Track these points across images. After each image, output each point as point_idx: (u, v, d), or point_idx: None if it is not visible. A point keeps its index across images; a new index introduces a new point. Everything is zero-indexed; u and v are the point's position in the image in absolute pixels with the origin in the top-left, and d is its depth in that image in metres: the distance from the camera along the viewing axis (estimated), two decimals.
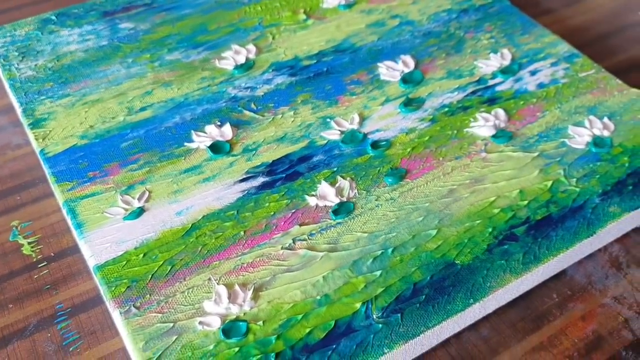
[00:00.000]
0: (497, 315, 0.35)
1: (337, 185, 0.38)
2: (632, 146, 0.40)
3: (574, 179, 0.38)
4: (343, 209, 0.37)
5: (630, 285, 0.37)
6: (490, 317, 0.35)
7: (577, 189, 0.38)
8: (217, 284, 0.33)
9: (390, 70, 0.46)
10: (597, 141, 0.40)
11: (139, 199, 0.38)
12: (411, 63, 0.46)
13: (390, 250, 0.35)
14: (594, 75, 0.46)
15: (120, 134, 0.42)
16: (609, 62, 0.50)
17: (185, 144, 0.41)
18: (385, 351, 0.31)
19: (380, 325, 0.32)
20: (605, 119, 0.42)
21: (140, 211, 0.37)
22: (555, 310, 0.35)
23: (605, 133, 0.41)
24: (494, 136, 0.41)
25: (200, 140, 0.41)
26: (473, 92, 0.44)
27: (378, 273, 0.34)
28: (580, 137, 0.41)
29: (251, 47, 0.48)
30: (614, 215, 0.37)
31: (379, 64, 0.46)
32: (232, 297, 0.33)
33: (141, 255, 0.35)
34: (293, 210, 0.37)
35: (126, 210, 0.37)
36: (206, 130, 0.41)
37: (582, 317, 0.35)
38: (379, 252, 0.35)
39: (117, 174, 0.39)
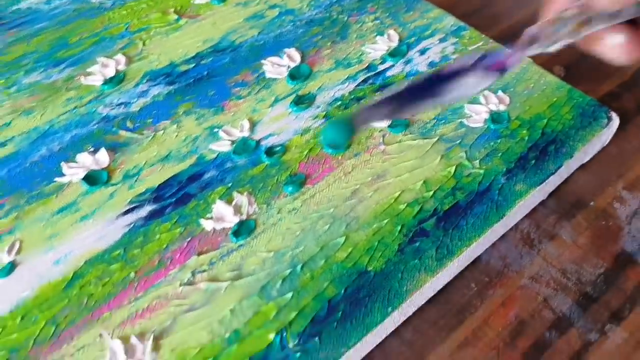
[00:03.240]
0: (418, 316, 0.34)
1: (234, 202, 0.35)
2: (529, 118, 0.40)
3: (477, 161, 0.37)
4: (243, 229, 0.34)
5: (545, 261, 0.36)
6: (411, 319, 0.33)
7: (481, 171, 0.37)
8: (111, 338, 0.30)
9: (276, 67, 0.42)
10: (494, 117, 0.39)
11: (9, 252, 0.33)
12: (297, 56, 0.43)
13: (299, 267, 0.32)
14: (483, 47, 0.44)
15: None
16: (495, 30, 0.49)
17: (56, 179, 0.36)
18: None
19: (298, 354, 0.29)
20: (500, 93, 0.41)
21: (12, 266, 0.32)
22: (475, 301, 0.34)
23: (502, 107, 0.40)
24: (390, 126, 0.39)
25: (73, 173, 0.36)
26: (364, 81, 0.42)
27: (289, 295, 0.31)
28: (477, 115, 0.40)
29: (120, 57, 0.43)
30: (521, 194, 0.36)
31: (263, 61, 0.43)
32: (129, 352, 0.29)
33: (18, 318, 0.30)
34: (188, 239, 0.34)
35: None
36: (78, 160, 0.37)
37: (502, 304, 0.34)
38: (288, 271, 0.32)
39: None
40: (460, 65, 0.26)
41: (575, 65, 0.47)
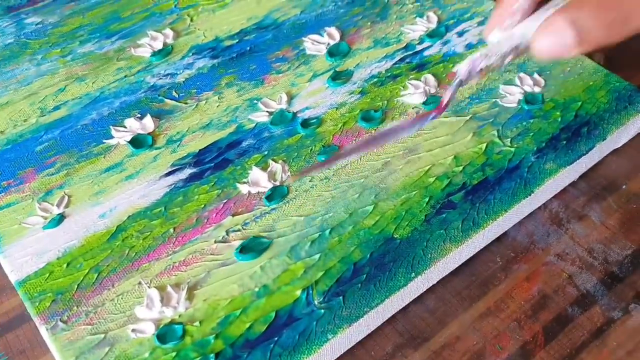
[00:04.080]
0: (442, 285, 0.34)
1: (269, 169, 0.37)
2: (563, 100, 0.40)
3: (508, 139, 0.38)
4: (277, 194, 0.35)
5: (572, 240, 0.36)
6: (435, 288, 0.34)
7: (512, 149, 0.37)
8: (148, 287, 0.32)
9: (316, 44, 0.44)
10: (528, 98, 0.40)
11: (58, 205, 0.35)
12: (336, 35, 0.44)
13: (327, 231, 0.34)
14: None
15: (34, 137, 0.39)
16: None
17: (104, 141, 0.38)
18: (329, 337, 0.30)
19: (322, 311, 0.31)
20: (535, 75, 0.41)
21: (61, 218, 0.35)
22: (499, 274, 0.35)
23: (536, 89, 0.40)
24: (424, 103, 0.40)
25: (120, 136, 0.38)
26: (401, 60, 0.43)
27: (317, 256, 0.33)
28: (511, 96, 0.40)
29: (168, 31, 0.45)
30: (551, 172, 0.36)
31: (303, 39, 0.44)
32: (165, 300, 0.31)
33: (65, 265, 0.33)
34: (225, 201, 0.35)
35: (45, 218, 0.35)
36: (126, 125, 0.39)
37: (526, 278, 0.35)
38: (317, 234, 0.34)
39: (33, 180, 0.37)
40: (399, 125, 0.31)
41: (616, 53, 0.47)
